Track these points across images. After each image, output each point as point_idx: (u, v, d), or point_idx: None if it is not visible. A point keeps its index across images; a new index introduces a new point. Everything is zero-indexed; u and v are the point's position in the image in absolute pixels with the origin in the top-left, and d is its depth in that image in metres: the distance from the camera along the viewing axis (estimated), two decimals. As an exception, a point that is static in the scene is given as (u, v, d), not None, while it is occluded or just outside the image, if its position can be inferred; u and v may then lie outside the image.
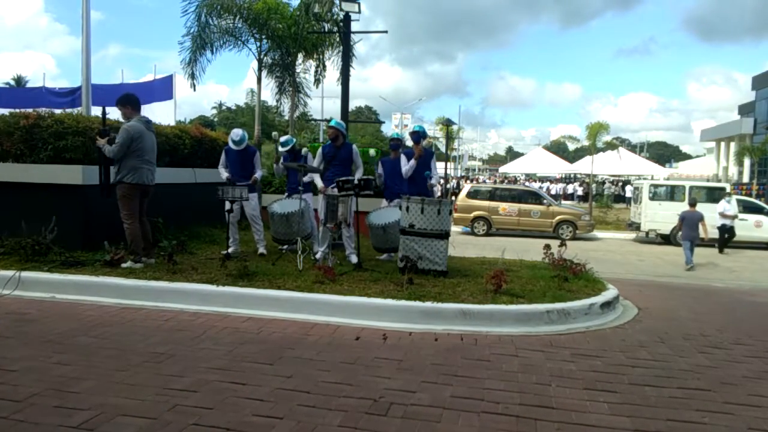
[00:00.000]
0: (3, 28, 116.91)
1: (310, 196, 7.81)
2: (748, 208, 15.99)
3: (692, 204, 13.01)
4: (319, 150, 7.49)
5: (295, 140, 8.57)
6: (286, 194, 8.10)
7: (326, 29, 14.18)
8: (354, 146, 7.48)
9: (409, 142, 8.15)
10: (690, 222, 12.39)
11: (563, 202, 29.14)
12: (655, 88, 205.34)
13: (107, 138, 6.16)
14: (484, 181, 40.33)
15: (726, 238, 14.72)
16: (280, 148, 8.37)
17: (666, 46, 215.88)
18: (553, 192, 35.73)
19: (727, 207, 14.79)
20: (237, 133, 7.60)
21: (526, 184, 36.36)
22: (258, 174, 7.63)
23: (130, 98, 6.42)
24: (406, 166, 7.36)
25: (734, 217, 14.60)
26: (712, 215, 15.87)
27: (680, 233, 12.63)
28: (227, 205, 7.10)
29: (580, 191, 38.76)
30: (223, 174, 7.54)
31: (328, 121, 7.79)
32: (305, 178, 7.33)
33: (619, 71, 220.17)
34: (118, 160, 6.14)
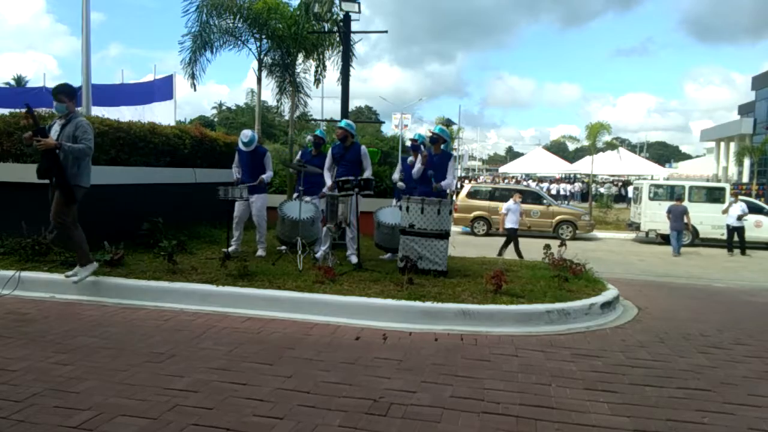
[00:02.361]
0: (5, 29, 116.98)
1: (317, 199, 7.78)
2: (747, 207, 16.00)
3: (678, 199, 14.90)
4: (329, 150, 7.48)
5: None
6: (295, 195, 8.07)
7: (326, 29, 14.18)
8: (363, 147, 7.45)
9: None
10: (675, 214, 14.21)
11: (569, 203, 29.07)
12: (654, 89, 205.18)
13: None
14: (484, 182, 40.24)
15: (734, 239, 14.81)
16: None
17: (664, 47, 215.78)
18: (554, 192, 35.55)
19: (731, 207, 14.88)
20: (246, 134, 7.48)
21: (529, 184, 36.30)
22: (266, 175, 7.57)
23: (73, 89, 5.71)
24: (415, 168, 7.32)
25: (739, 216, 14.65)
26: (711, 215, 15.96)
27: (669, 224, 14.60)
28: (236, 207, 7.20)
29: (574, 189, 38.80)
30: (235, 174, 7.53)
31: (328, 121, 7.77)
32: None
33: (617, 71, 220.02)
34: (76, 160, 5.42)
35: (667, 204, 16.24)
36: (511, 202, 11.99)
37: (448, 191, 7.40)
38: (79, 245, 5.60)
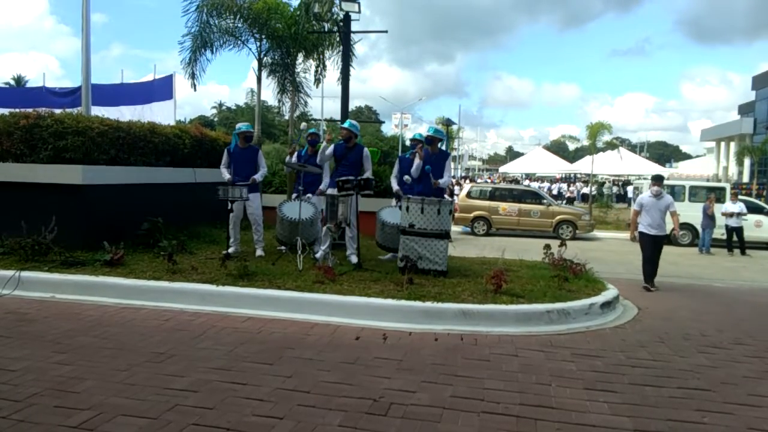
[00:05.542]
0: (9, 31, 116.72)
1: (316, 198, 7.78)
2: (747, 207, 16.03)
3: (709, 198, 15.55)
4: (331, 148, 7.47)
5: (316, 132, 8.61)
6: (294, 195, 8.05)
7: (326, 29, 14.17)
8: (366, 149, 7.47)
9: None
10: (705, 211, 14.93)
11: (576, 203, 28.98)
12: (651, 89, 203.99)
13: None
14: (485, 182, 40.21)
15: (733, 239, 14.84)
16: (304, 135, 8.39)
17: (661, 47, 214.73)
18: (555, 192, 35.40)
19: (729, 206, 14.89)
20: (242, 124, 7.80)
21: (527, 183, 36.25)
22: (258, 174, 7.60)
23: None
24: (414, 166, 7.31)
25: (734, 214, 14.67)
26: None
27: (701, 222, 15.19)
28: (230, 205, 7.11)
29: (578, 190, 38.75)
30: (225, 174, 7.52)
31: (329, 121, 7.80)
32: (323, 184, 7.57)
33: (614, 72, 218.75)
34: None
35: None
36: (646, 194, 8.30)
37: (446, 189, 7.41)
38: None
